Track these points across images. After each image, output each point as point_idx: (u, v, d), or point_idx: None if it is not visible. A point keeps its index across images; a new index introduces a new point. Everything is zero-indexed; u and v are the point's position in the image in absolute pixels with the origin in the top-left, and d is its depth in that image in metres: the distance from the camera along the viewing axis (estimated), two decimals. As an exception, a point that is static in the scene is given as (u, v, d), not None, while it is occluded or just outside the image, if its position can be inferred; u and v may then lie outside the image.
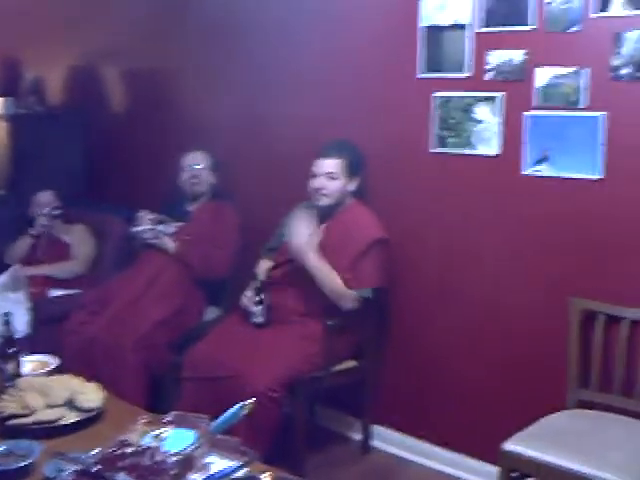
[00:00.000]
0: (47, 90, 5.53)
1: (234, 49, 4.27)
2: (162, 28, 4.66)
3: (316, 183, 3.58)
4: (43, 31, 5.47)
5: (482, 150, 3.35)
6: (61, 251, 4.51)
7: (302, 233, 3.45)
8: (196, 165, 4.19)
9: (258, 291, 3.54)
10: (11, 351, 2.57)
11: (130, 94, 5.05)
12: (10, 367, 2.57)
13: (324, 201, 3.60)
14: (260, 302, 3.53)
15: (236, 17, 4.24)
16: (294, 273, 3.56)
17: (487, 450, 3.25)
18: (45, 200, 4.54)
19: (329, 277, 3.44)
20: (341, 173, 3.57)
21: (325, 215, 3.63)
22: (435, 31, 3.44)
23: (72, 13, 5.25)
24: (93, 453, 2.00)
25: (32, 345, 3.75)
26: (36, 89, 5.46)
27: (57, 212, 4.54)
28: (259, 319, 3.54)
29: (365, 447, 3.83)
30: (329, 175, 3.57)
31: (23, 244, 4.53)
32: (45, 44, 5.49)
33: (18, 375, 2.58)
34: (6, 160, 5.10)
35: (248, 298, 3.58)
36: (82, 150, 5.19)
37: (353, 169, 3.58)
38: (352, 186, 3.60)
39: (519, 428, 2.88)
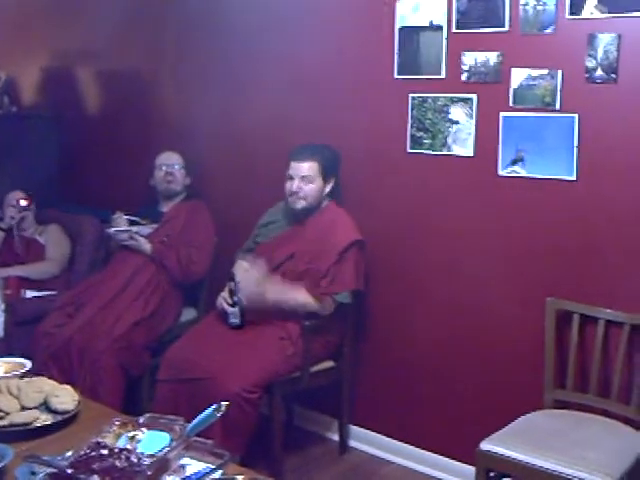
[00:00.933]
0: (20, 90, 5.48)
1: (210, 50, 4.26)
2: (137, 28, 4.64)
3: (293, 186, 3.58)
4: (16, 31, 5.43)
5: (458, 151, 3.36)
6: (36, 252, 4.47)
7: (249, 280, 3.42)
8: (170, 164, 4.18)
9: (233, 293, 3.53)
10: (-16, 353, 2.54)
11: (105, 95, 5.02)
12: (-17, 369, 2.54)
13: (301, 204, 3.60)
14: (235, 304, 3.52)
15: (213, 18, 4.23)
16: (272, 274, 3.55)
17: (464, 450, 3.26)
18: (15, 198, 4.51)
19: (296, 301, 3.43)
20: (316, 176, 3.57)
21: (302, 217, 3.63)
22: (411, 32, 3.45)
23: (46, 13, 5.21)
24: (67, 455, 1.98)
25: (6, 347, 3.73)
26: (9, 89, 5.41)
27: (26, 204, 4.51)
28: (235, 320, 3.53)
29: (342, 447, 3.83)
30: (305, 178, 3.57)
31: None
32: (18, 44, 5.44)
33: (-9, 377, 2.55)
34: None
35: (224, 299, 3.57)
36: (56, 151, 5.16)
37: (328, 171, 3.59)
38: (328, 188, 3.61)
39: (496, 428, 2.90)
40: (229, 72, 4.18)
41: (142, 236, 4.06)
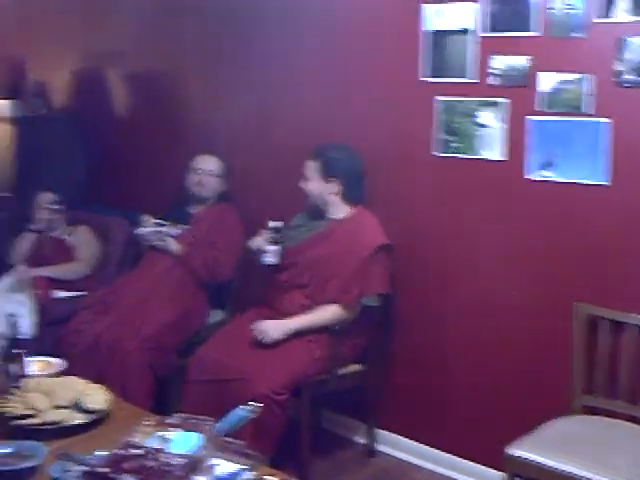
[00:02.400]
0: (51, 93, 5.53)
1: (239, 52, 4.28)
2: (166, 31, 4.67)
3: (300, 182, 3.64)
4: (47, 34, 5.48)
5: (486, 155, 3.36)
6: (65, 253, 4.51)
7: (268, 334, 3.41)
8: (205, 170, 4.19)
9: (277, 230, 3.55)
10: (16, 352, 2.58)
11: (133, 97, 5.05)
12: (15, 368, 2.57)
13: (307, 202, 3.65)
14: (277, 242, 3.54)
15: (241, 20, 4.25)
16: (299, 276, 3.58)
17: (491, 455, 3.24)
18: (46, 199, 4.55)
19: (317, 320, 3.46)
20: (315, 175, 3.60)
21: (319, 218, 3.65)
22: (439, 35, 3.45)
23: (75, 16, 5.26)
24: (99, 454, 2.00)
25: (37, 346, 3.78)
26: (40, 92, 5.46)
27: (56, 207, 4.55)
28: (272, 259, 3.54)
29: (370, 451, 3.83)
30: (305, 176, 3.62)
31: (25, 242, 4.53)
32: (49, 47, 5.50)
33: (22, 376, 2.58)
34: (10, 162, 5.11)
35: (263, 238, 3.59)
36: (86, 152, 5.19)
37: (329, 171, 3.58)
38: (332, 188, 3.60)
39: (524, 433, 2.88)
40: (259, 73, 4.20)
41: (170, 237, 4.09)
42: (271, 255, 3.55)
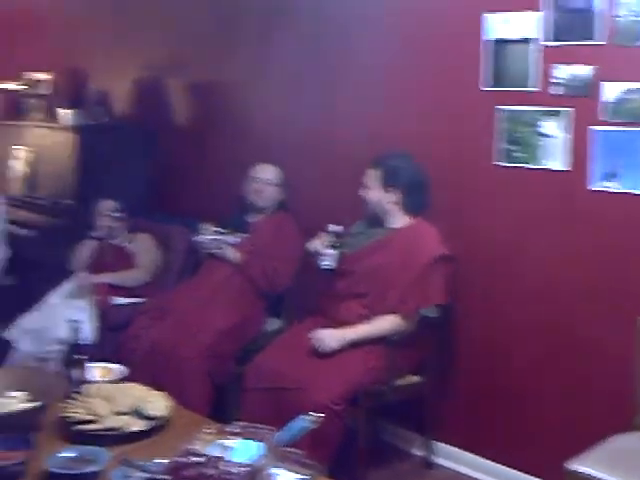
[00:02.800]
0: (113, 102, 5.62)
1: (300, 62, 4.29)
2: (226, 41, 4.70)
3: (360, 190, 3.62)
4: (109, 44, 5.57)
5: (549, 165, 3.32)
6: (126, 260, 4.57)
7: (325, 343, 3.40)
8: (263, 179, 4.21)
9: (337, 235, 3.55)
10: (78, 358, 2.61)
11: (194, 106, 5.10)
12: (77, 373, 2.61)
13: (366, 210, 3.64)
14: (335, 247, 3.54)
15: (301, 30, 4.26)
16: (357, 285, 3.57)
17: (550, 469, 3.19)
18: (107, 207, 4.62)
19: (374, 330, 3.44)
20: (375, 183, 3.58)
21: (378, 226, 3.64)
22: (501, 44, 3.42)
23: (137, 26, 5.34)
24: (160, 461, 2.01)
25: (97, 352, 3.82)
26: (102, 101, 5.55)
27: (118, 215, 4.60)
28: (329, 263, 3.54)
29: (427, 463, 3.80)
30: (365, 185, 3.60)
31: (86, 249, 4.60)
32: (111, 56, 5.59)
33: (84, 382, 2.62)
34: (72, 170, 5.19)
35: (321, 241, 3.59)
36: (147, 161, 5.26)
37: (390, 181, 3.55)
38: (391, 197, 3.58)
39: (583, 448, 2.82)
40: (318, 83, 4.21)
41: (230, 245, 4.11)
42: (328, 259, 3.55)
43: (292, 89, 4.37)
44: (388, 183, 3.56)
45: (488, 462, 3.67)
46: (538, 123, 3.32)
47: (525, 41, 3.34)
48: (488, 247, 3.57)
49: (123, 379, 2.84)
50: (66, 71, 5.98)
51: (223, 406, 3.85)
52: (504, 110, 3.42)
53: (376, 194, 3.59)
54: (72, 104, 5.58)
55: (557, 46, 3.26)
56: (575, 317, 3.31)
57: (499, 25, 3.41)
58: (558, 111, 3.26)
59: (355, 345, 3.40)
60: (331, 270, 3.58)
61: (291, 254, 4.12)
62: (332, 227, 3.57)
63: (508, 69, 3.42)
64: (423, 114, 3.75)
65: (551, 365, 3.40)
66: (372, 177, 3.59)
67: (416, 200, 3.60)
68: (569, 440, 3.16)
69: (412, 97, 3.79)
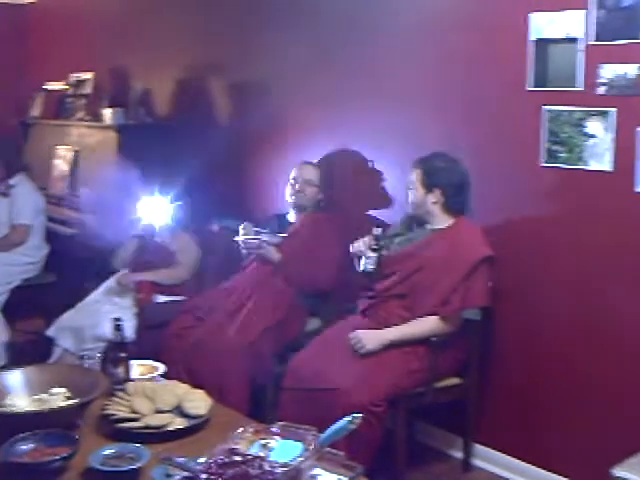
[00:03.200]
0: (155, 101, 5.66)
1: (342, 62, 4.27)
2: (266, 42, 4.71)
3: (404, 192, 3.60)
4: (151, 44, 5.61)
5: (594, 165, 3.26)
6: (167, 258, 4.59)
7: (363, 343, 3.38)
8: (303, 179, 4.21)
9: (378, 238, 3.54)
10: (122, 356, 2.62)
11: (234, 106, 5.11)
12: (120, 371, 2.62)
13: (408, 210, 3.63)
14: (377, 250, 3.53)
15: (343, 32, 4.25)
16: (397, 286, 3.55)
17: (594, 475, 3.15)
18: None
19: (415, 332, 3.42)
20: (418, 184, 3.54)
21: (419, 227, 3.62)
22: (546, 44, 3.38)
23: (178, 26, 5.36)
24: (201, 460, 2.01)
25: (137, 350, 3.85)
26: (144, 100, 5.59)
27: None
28: (370, 267, 3.53)
29: (466, 465, 3.76)
30: (408, 185, 3.58)
31: (128, 247, 4.63)
32: (153, 56, 5.63)
33: (128, 379, 2.63)
34: (116, 169, 5.23)
35: (364, 243, 3.58)
36: (189, 160, 5.28)
37: (431, 181, 3.52)
38: (433, 198, 3.54)
39: (628, 454, 2.78)
40: (360, 83, 4.19)
41: (270, 245, 4.12)
42: (370, 262, 3.54)
43: (334, 89, 4.35)
44: (430, 183, 3.53)
45: (528, 465, 3.62)
46: (583, 123, 3.27)
47: (571, 40, 3.29)
48: (531, 248, 3.52)
49: (162, 377, 2.85)
50: (109, 71, 6.04)
51: (262, 406, 3.87)
52: (549, 110, 3.38)
53: (419, 195, 3.56)
54: (115, 104, 5.63)
55: (603, 45, 3.20)
56: (620, 320, 3.25)
57: (545, 24, 3.37)
58: (604, 111, 3.21)
59: (396, 346, 3.38)
60: (371, 273, 3.57)
61: (331, 254, 4.11)
62: (376, 230, 3.56)
63: (554, 69, 3.37)
64: (469, 114, 3.71)
65: (594, 367, 3.34)
66: (415, 177, 3.57)
67: (458, 201, 3.56)
68: (612, 445, 3.12)
69: (458, 97, 3.75)
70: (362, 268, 3.57)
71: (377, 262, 3.54)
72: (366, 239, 3.58)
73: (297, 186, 4.20)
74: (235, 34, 4.92)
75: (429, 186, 3.54)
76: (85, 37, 6.28)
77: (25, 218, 4.91)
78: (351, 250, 3.65)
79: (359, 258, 3.59)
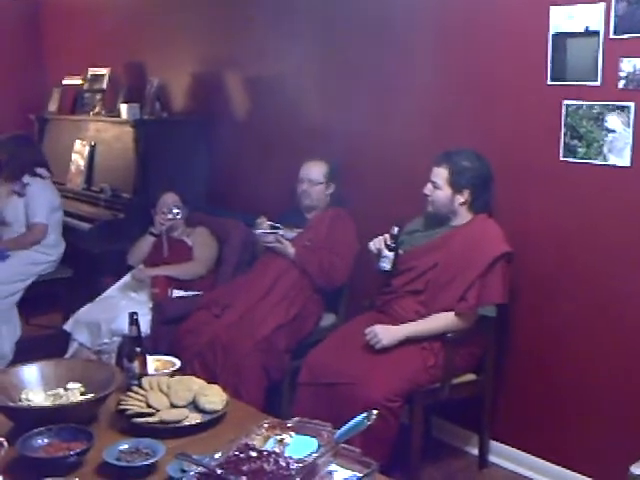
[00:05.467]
0: (171, 96, 5.66)
1: (358, 57, 4.25)
2: (283, 36, 4.69)
3: (425, 188, 3.55)
4: (167, 38, 5.61)
5: (614, 160, 3.22)
6: (183, 253, 4.58)
7: (378, 338, 3.36)
8: (308, 178, 4.19)
9: (396, 237, 3.53)
10: (138, 350, 2.62)
11: (251, 100, 5.10)
12: (136, 366, 2.61)
13: (429, 208, 3.58)
14: (394, 249, 3.51)
15: (358, 27, 4.22)
16: (414, 282, 3.53)
17: (611, 473, 3.12)
18: (168, 201, 4.64)
19: (430, 328, 3.39)
20: (444, 182, 3.49)
21: (437, 223, 3.59)
22: (565, 38, 3.34)
23: (195, 22, 5.36)
24: (217, 456, 2.00)
25: (152, 345, 3.86)
26: (160, 95, 5.59)
27: (177, 211, 4.61)
28: (386, 266, 3.53)
29: (482, 462, 3.75)
30: (434, 183, 3.52)
31: (144, 243, 4.63)
32: (169, 51, 5.62)
33: (144, 374, 2.63)
34: (132, 164, 5.24)
35: (381, 241, 3.56)
36: (204, 155, 5.29)
37: (459, 180, 3.47)
38: (461, 198, 3.50)
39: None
40: (377, 77, 4.16)
41: (287, 239, 4.11)
42: (386, 261, 3.53)
43: (351, 83, 4.32)
44: (459, 184, 3.47)
45: (545, 463, 3.60)
46: (603, 118, 3.24)
47: (591, 34, 3.25)
48: (550, 243, 3.49)
49: (178, 372, 2.85)
50: (125, 66, 6.05)
51: (277, 401, 3.87)
52: (568, 105, 3.34)
53: (444, 194, 3.50)
54: (131, 99, 5.64)
55: (623, 39, 3.16)
56: (636, 316, 3.22)
57: (565, 18, 3.32)
58: (623, 106, 3.17)
59: (412, 342, 3.37)
60: (387, 272, 3.56)
61: (347, 249, 4.11)
62: (393, 229, 3.54)
63: (573, 63, 3.33)
64: (489, 108, 3.67)
65: (612, 364, 3.32)
66: (441, 176, 3.50)
67: (482, 198, 3.52)
68: (631, 442, 3.09)
69: (477, 92, 3.71)
70: (379, 267, 3.56)
71: (394, 261, 3.53)
72: (383, 237, 3.56)
73: (304, 186, 4.19)
74: (251, 29, 4.90)
75: (457, 186, 3.48)
76: (101, 32, 6.29)
77: (41, 217, 4.92)
78: (369, 247, 3.62)
79: (377, 257, 3.57)
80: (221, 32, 5.17)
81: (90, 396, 2.50)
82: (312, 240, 4.11)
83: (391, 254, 3.52)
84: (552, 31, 3.37)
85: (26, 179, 4.96)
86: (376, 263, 3.58)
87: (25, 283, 4.89)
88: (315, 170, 4.21)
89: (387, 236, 3.55)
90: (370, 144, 4.21)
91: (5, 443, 2.12)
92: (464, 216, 3.53)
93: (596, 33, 3.23)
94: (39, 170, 5.06)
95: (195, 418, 2.46)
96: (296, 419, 2.16)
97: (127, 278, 4.53)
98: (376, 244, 3.58)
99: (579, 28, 3.28)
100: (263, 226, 4.15)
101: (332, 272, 4.06)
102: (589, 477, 3.44)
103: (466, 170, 3.47)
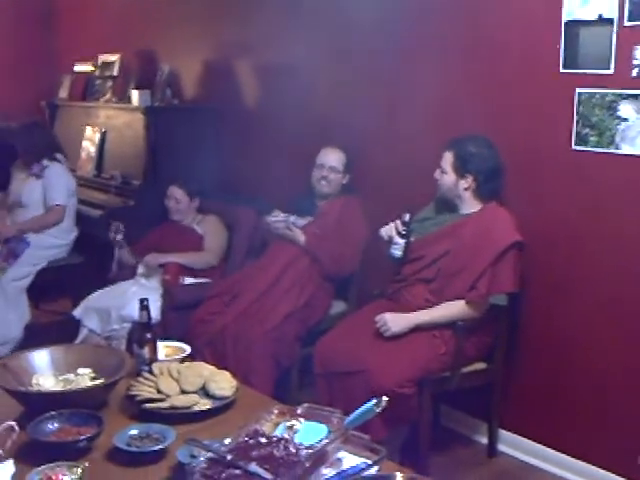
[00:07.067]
0: (182, 83, 5.65)
1: (370, 44, 4.23)
2: (294, 24, 4.67)
3: (435, 172, 3.56)
4: (178, 25, 5.59)
5: (626, 149, 3.20)
6: (195, 241, 4.60)
7: (388, 326, 3.35)
8: (328, 165, 4.18)
9: (407, 224, 3.52)
10: (148, 336, 2.62)
11: (263, 88, 5.09)
12: (146, 352, 2.62)
13: (438, 192, 3.58)
14: (405, 236, 3.51)
15: (369, 14, 4.20)
16: (424, 270, 3.52)
17: (621, 463, 3.13)
18: (177, 189, 4.65)
19: (440, 316, 3.39)
20: (450, 167, 3.49)
21: (448, 211, 3.58)
22: (578, 26, 3.32)
23: (206, 8, 5.34)
24: (226, 441, 2.00)
25: (162, 331, 3.86)
26: (171, 82, 5.58)
27: (187, 197, 4.66)
28: (397, 252, 3.52)
29: (491, 451, 3.75)
30: (441, 168, 3.53)
31: (156, 230, 4.67)
32: (180, 38, 5.61)
33: (154, 360, 2.63)
34: (142, 152, 5.24)
35: (392, 228, 3.55)
36: (215, 142, 5.28)
37: (464, 165, 3.46)
38: (465, 183, 3.49)
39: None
40: (388, 65, 4.15)
41: (297, 227, 4.10)
42: (398, 248, 3.52)
43: (363, 71, 4.31)
44: (462, 168, 3.48)
45: (554, 452, 3.60)
46: (616, 106, 3.21)
47: (605, 21, 3.22)
48: (561, 233, 3.48)
49: (188, 358, 2.85)
50: (136, 53, 6.04)
51: (287, 387, 3.87)
52: (582, 93, 3.32)
53: (450, 179, 3.51)
54: (142, 85, 5.64)
55: (638, 26, 3.13)
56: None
57: (578, 5, 3.30)
58: (636, 94, 3.15)
59: (423, 330, 3.36)
60: (399, 259, 3.55)
61: (357, 237, 4.11)
62: (404, 216, 3.53)
63: (587, 51, 3.30)
64: (501, 96, 3.65)
65: (623, 354, 3.31)
66: (447, 161, 3.51)
67: (490, 186, 3.50)
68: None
69: (490, 79, 3.69)
70: (390, 253, 3.55)
71: (405, 248, 3.52)
72: (395, 224, 3.55)
73: (322, 173, 4.18)
74: (263, 16, 4.88)
75: (461, 171, 3.48)
76: (112, 19, 6.28)
77: (60, 199, 4.95)
78: (380, 234, 3.62)
79: (388, 243, 3.56)
80: (233, 19, 5.15)
81: (100, 381, 2.50)
82: (322, 228, 4.11)
83: (402, 241, 3.52)
84: (565, 18, 3.35)
85: (45, 162, 4.99)
86: (387, 250, 3.57)
87: (35, 268, 4.90)
88: (335, 157, 4.20)
89: (398, 222, 3.54)
90: (381, 132, 4.20)
91: (16, 427, 2.13)
92: (471, 203, 3.52)
93: (610, 20, 3.21)
94: (57, 155, 5.09)
95: (205, 404, 2.46)
96: (306, 405, 2.16)
97: (139, 265, 4.54)
98: (387, 231, 3.57)
99: (593, 15, 3.26)
100: (274, 213, 4.15)
101: (342, 260, 4.06)
102: (599, 467, 3.43)
103: (471, 156, 3.46)
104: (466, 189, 3.50)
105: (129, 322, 4.14)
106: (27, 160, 5.06)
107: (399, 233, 3.52)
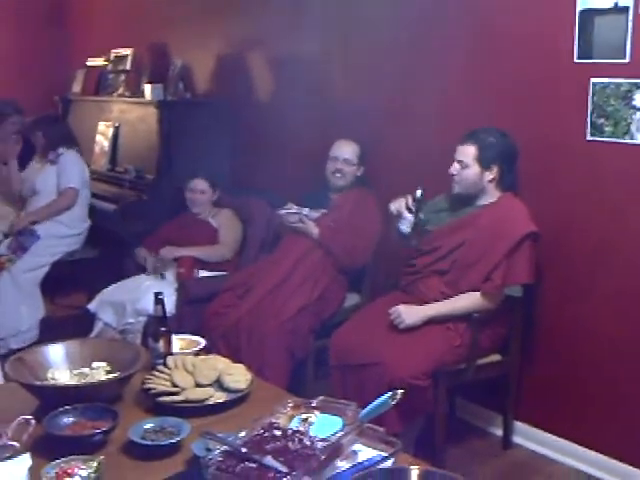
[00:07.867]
0: (194, 77, 5.65)
1: (383, 36, 4.21)
2: (306, 16, 4.66)
3: (451, 168, 3.51)
4: (191, 19, 5.59)
5: (642, 140, 3.18)
6: (210, 234, 4.61)
7: (402, 318, 3.35)
8: (342, 157, 4.17)
9: (418, 200, 3.49)
10: (163, 330, 2.62)
11: (276, 81, 5.08)
12: (161, 346, 2.62)
13: (455, 188, 3.53)
14: (414, 211, 3.49)
15: (381, 4, 4.18)
16: (439, 261, 3.51)
17: (636, 453, 3.11)
18: (192, 183, 4.65)
19: (455, 308, 3.38)
20: (473, 161, 3.45)
21: (463, 202, 3.56)
22: (593, 14, 3.29)
23: (218, 1, 5.33)
24: (241, 434, 2.00)
25: (177, 325, 3.87)
26: (184, 76, 5.58)
27: (202, 190, 4.66)
28: (406, 228, 3.50)
29: (506, 443, 3.74)
30: (461, 162, 3.48)
31: (171, 223, 4.67)
32: (193, 32, 5.61)
33: (169, 353, 2.63)
34: (156, 145, 5.25)
35: (402, 202, 3.53)
36: (228, 136, 5.28)
37: (489, 158, 3.43)
38: (490, 175, 3.47)
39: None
40: (401, 58, 4.13)
41: (311, 220, 4.10)
42: (406, 223, 3.50)
43: (376, 63, 4.29)
44: (487, 160, 3.44)
45: (570, 443, 3.59)
46: (631, 96, 3.18)
47: (620, 10, 3.19)
48: (576, 224, 3.46)
49: (203, 351, 2.85)
50: (149, 47, 6.04)
51: (302, 380, 3.87)
52: (596, 83, 3.29)
53: (473, 172, 3.46)
54: (154, 79, 5.64)
55: (653, 15, 3.12)
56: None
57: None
58: (653, 84, 3.13)
59: (437, 322, 3.35)
60: (406, 236, 3.52)
61: (371, 230, 4.10)
62: (416, 191, 3.50)
63: (602, 40, 3.27)
64: (515, 87, 3.62)
65: (637, 346, 3.29)
66: (468, 154, 3.46)
67: (509, 176, 3.49)
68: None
69: (504, 70, 3.67)
70: (398, 229, 3.52)
71: (413, 225, 3.50)
72: (405, 198, 3.53)
73: (337, 166, 4.17)
74: (276, 9, 4.87)
75: (486, 163, 3.44)
76: (124, 13, 6.29)
77: (74, 182, 4.99)
78: (390, 208, 3.59)
79: (396, 217, 3.54)
80: (245, 13, 5.14)
81: (115, 375, 2.51)
82: (336, 220, 4.10)
83: (410, 216, 3.49)
84: (579, 7, 3.32)
85: (61, 150, 5.03)
86: (396, 225, 3.55)
87: (48, 259, 4.92)
88: (349, 150, 4.19)
89: (409, 197, 3.52)
90: (395, 123, 4.18)
91: (32, 421, 2.14)
92: (492, 194, 3.50)
93: (625, 9, 3.18)
94: (73, 145, 5.14)
95: (220, 397, 2.46)
96: (321, 398, 2.16)
97: (153, 258, 4.54)
98: (397, 205, 3.55)
99: (608, 4, 3.23)
100: (287, 206, 4.14)
101: (355, 252, 4.05)
102: (614, 458, 3.41)
103: (493, 146, 3.44)
104: (491, 180, 3.47)
105: (144, 316, 4.15)
106: (44, 150, 5.10)
107: (409, 209, 3.50)
